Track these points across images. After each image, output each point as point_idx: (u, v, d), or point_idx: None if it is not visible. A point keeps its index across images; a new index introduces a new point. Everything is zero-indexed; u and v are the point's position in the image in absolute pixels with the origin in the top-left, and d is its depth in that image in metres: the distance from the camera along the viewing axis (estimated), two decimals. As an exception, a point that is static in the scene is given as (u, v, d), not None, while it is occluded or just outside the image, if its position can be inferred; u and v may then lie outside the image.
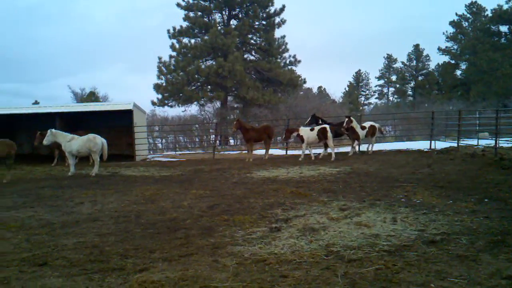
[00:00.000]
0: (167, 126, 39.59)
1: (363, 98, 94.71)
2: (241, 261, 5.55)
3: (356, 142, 21.02)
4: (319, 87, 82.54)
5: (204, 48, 38.95)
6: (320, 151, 22.85)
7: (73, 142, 16.97)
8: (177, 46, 40.84)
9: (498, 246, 5.88)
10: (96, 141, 16.94)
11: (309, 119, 22.40)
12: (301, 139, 20.88)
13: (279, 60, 44.77)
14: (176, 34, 41.26)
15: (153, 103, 41.34)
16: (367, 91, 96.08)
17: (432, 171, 14.23)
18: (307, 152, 21.07)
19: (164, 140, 40.30)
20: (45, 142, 17.51)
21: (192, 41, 41.69)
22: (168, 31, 41.54)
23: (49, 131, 17.37)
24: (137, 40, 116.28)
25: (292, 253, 5.83)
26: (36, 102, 52.58)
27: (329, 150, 20.76)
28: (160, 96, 40.54)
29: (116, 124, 27.00)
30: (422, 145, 24.41)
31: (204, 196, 10.98)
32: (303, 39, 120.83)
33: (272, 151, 27.19)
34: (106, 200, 10.81)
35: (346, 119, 20.04)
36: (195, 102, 42.19)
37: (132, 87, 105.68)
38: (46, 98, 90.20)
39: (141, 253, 6.01)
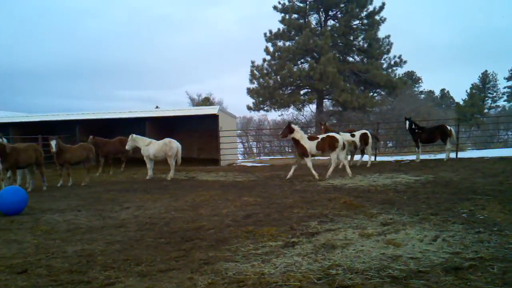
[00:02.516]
0: (261, 131, 39.63)
1: (489, 101, 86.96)
2: (217, 280, 5.04)
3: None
4: (442, 89, 78.65)
5: (297, 50, 38.29)
6: (403, 157, 21.39)
7: (150, 147, 17.46)
8: (271, 49, 40.60)
9: (536, 280, 4.78)
10: (171, 145, 17.28)
11: (407, 123, 20.85)
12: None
13: (382, 61, 42.72)
14: (273, 37, 40.92)
15: (249, 108, 41.54)
16: (495, 93, 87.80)
17: (524, 182, 12.51)
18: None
19: (259, 144, 40.35)
20: (127, 147, 18.19)
21: (287, 43, 41.00)
22: (265, 34, 41.37)
23: (130, 136, 18.02)
24: (258, 45, 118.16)
25: (282, 274, 5.19)
26: (157, 107, 55.12)
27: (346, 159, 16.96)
28: (255, 100, 40.60)
29: (206, 129, 27.48)
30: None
31: (251, 204, 10.56)
32: (427, 38, 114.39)
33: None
34: (153, 205, 10.83)
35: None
36: (291, 106, 41.68)
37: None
38: (169, 103, 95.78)
39: (125, 266, 5.74)
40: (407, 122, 20.60)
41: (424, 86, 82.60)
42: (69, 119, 25.98)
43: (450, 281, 4.79)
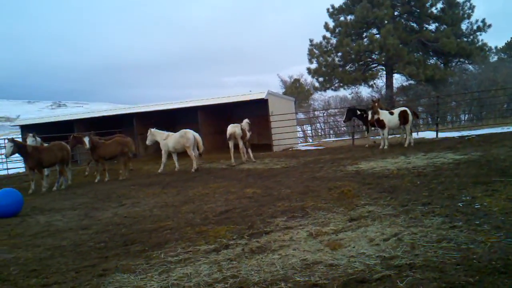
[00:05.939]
0: (329, 111, 38.10)
1: None
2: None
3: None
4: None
5: (356, 24, 36.05)
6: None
7: (168, 140, 17.27)
8: (331, 25, 38.43)
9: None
10: (188, 136, 16.94)
11: (345, 114, 20.30)
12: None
13: (463, 26, 38.94)
14: (335, 12, 38.67)
15: (315, 88, 40.03)
16: None
17: None
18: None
19: (324, 126, 38.56)
20: (147, 142, 18.09)
21: (349, 18, 38.25)
22: (328, 9, 39.05)
23: (149, 130, 17.93)
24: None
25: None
26: (250, 91, 54.92)
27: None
28: (316, 80, 39.10)
29: (263, 114, 26.51)
30: None
31: (245, 197, 9.98)
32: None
33: (425, 134, 24.22)
34: (147, 202, 10.70)
35: None
36: (362, 83, 39.33)
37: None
38: (274, 86, 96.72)
39: (17, 279, 5.47)
40: (346, 113, 20.35)
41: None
42: (126, 112, 26.51)
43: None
